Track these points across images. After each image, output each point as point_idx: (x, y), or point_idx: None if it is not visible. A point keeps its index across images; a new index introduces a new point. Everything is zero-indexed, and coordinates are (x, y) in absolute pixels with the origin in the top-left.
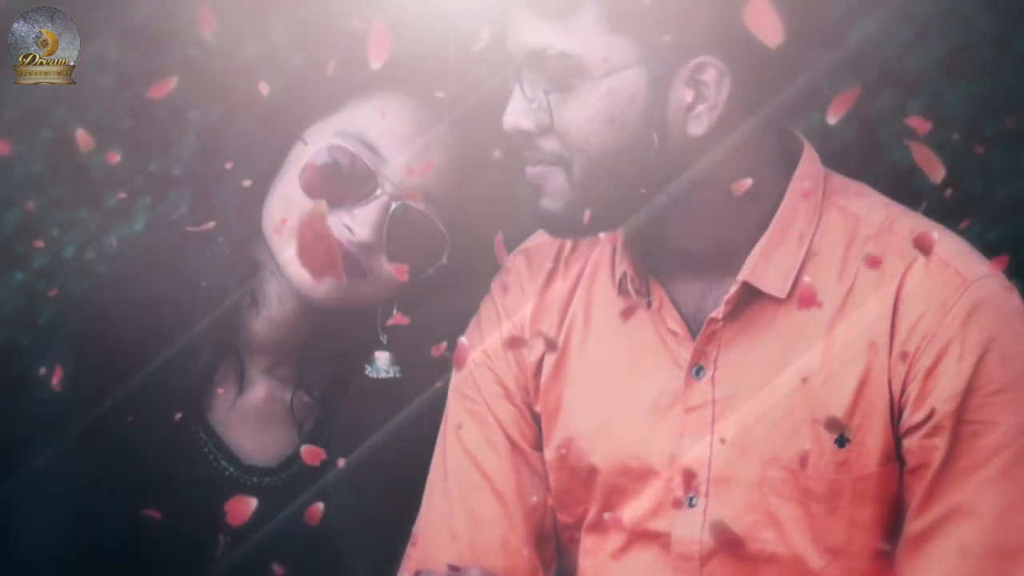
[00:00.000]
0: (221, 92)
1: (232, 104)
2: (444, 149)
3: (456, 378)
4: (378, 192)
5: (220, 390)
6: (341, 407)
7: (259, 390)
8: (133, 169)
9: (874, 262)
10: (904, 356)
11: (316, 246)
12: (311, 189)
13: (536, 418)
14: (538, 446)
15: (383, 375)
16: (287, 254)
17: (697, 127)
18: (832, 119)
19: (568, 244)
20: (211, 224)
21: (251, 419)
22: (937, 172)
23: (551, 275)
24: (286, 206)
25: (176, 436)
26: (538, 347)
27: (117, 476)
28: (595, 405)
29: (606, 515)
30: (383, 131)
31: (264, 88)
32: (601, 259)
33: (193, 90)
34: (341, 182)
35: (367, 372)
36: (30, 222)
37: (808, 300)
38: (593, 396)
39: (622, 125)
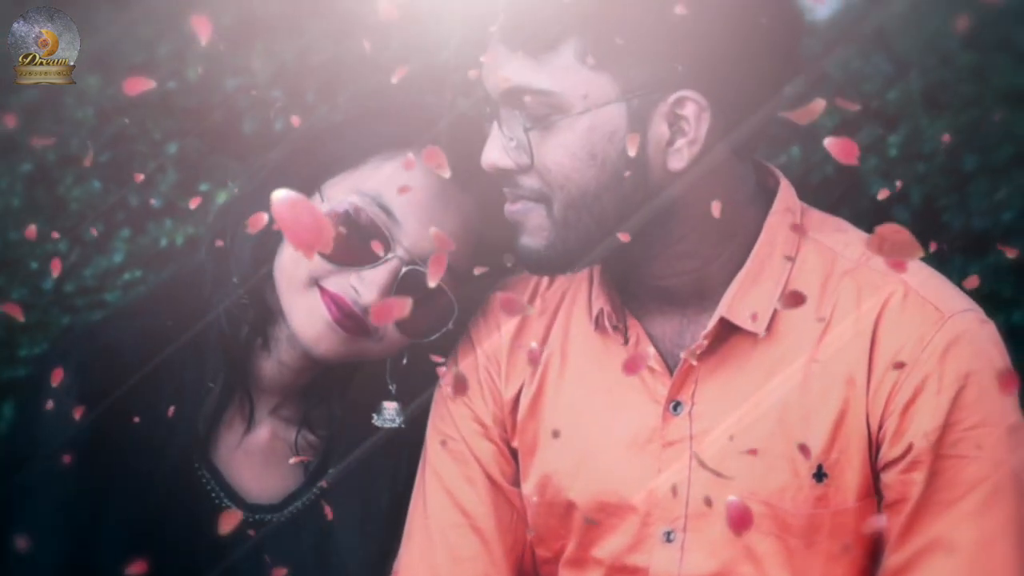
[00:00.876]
0: (200, 125)
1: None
2: (459, 215)
3: (434, 415)
4: (389, 256)
5: (227, 430)
6: (345, 446)
7: (264, 429)
8: (112, 202)
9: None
10: (881, 390)
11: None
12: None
13: (514, 454)
14: (516, 482)
15: (390, 425)
16: (293, 307)
17: (677, 161)
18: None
19: (544, 280)
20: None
21: (255, 458)
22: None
23: (526, 315)
24: (296, 260)
25: (179, 474)
26: (515, 383)
27: (118, 512)
28: (572, 441)
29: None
30: (400, 194)
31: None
32: (577, 295)
33: (172, 123)
34: (354, 244)
35: (374, 421)
36: (8, 255)
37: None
38: (570, 432)
39: (603, 161)
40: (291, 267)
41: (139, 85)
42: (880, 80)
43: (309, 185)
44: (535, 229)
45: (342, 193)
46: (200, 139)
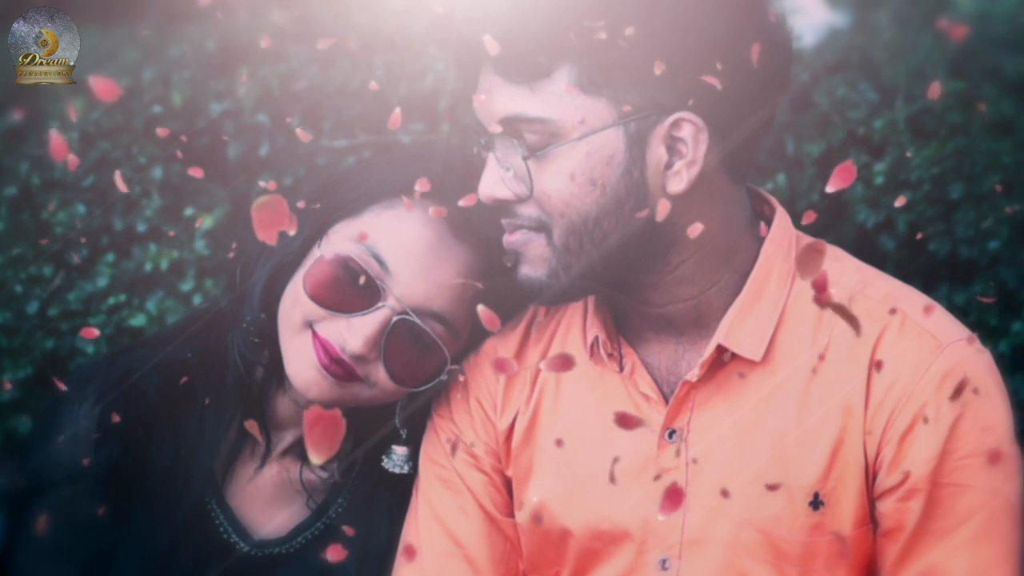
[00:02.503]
0: (184, 150)
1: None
2: (454, 267)
3: (426, 445)
4: (380, 305)
5: (241, 467)
6: (351, 482)
7: (273, 466)
8: (96, 226)
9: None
10: (878, 419)
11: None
12: (315, 294)
13: (507, 483)
14: (509, 512)
15: (398, 470)
16: (288, 350)
17: (676, 184)
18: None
19: (540, 311)
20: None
21: (265, 494)
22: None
23: (522, 344)
24: (293, 303)
25: (193, 510)
26: (509, 413)
27: (130, 542)
28: (567, 469)
29: None
30: (394, 244)
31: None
32: (572, 323)
33: (157, 148)
34: (345, 291)
35: (383, 464)
36: None
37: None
38: (565, 460)
39: (603, 186)
40: (288, 310)
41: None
42: (866, 108)
43: (320, 229)
44: (536, 258)
45: (341, 240)
46: (184, 164)
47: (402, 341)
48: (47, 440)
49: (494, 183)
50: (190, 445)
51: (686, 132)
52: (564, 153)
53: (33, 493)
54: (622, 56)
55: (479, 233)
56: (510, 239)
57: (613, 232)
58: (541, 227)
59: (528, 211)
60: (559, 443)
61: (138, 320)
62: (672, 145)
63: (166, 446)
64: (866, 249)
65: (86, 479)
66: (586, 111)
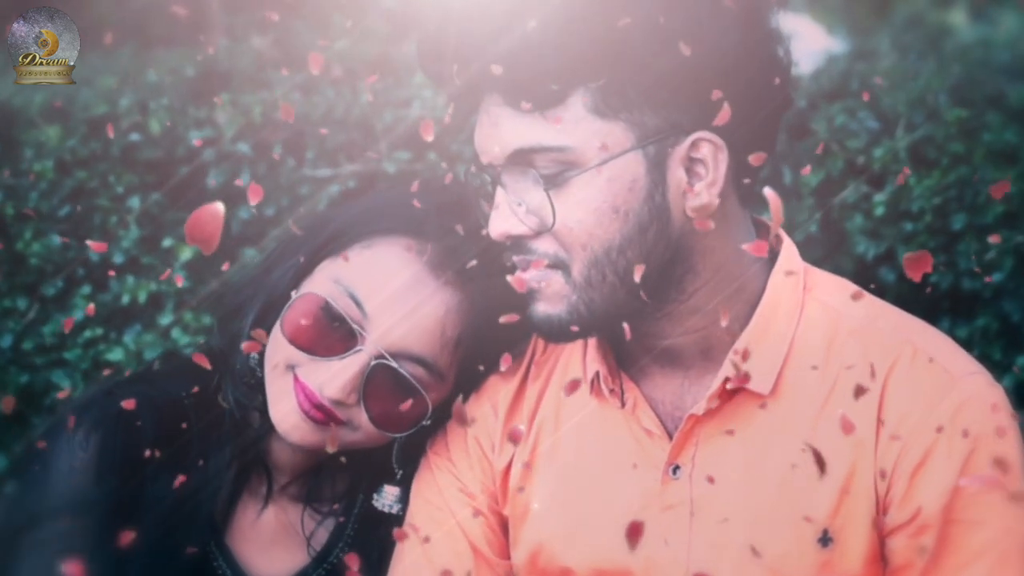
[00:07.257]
0: (163, 179)
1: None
2: (435, 310)
3: (419, 483)
4: (357, 348)
5: (241, 509)
6: (352, 523)
7: (272, 508)
8: (72, 257)
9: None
10: (889, 454)
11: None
12: (293, 337)
13: (503, 523)
14: (503, 554)
15: (388, 509)
16: (271, 394)
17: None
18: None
19: (540, 345)
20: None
21: (264, 536)
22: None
23: (522, 381)
24: (275, 346)
25: (195, 553)
26: (507, 452)
27: None
28: (567, 507)
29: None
30: (371, 285)
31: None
32: (571, 359)
33: (135, 177)
34: (323, 335)
35: (374, 503)
36: None
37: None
38: (565, 498)
39: (626, 213)
40: (271, 352)
41: None
42: (866, 136)
43: (307, 267)
44: (553, 296)
45: (322, 279)
46: (163, 193)
47: (381, 386)
48: (39, 472)
49: (506, 219)
50: (191, 487)
51: (705, 152)
52: (584, 182)
53: (26, 527)
54: (639, 77)
55: (461, 272)
56: (524, 276)
57: (637, 261)
58: (558, 263)
59: (544, 247)
60: (537, 504)
61: (115, 354)
62: (690, 167)
63: (163, 484)
64: (865, 280)
65: (83, 512)
66: (605, 136)
